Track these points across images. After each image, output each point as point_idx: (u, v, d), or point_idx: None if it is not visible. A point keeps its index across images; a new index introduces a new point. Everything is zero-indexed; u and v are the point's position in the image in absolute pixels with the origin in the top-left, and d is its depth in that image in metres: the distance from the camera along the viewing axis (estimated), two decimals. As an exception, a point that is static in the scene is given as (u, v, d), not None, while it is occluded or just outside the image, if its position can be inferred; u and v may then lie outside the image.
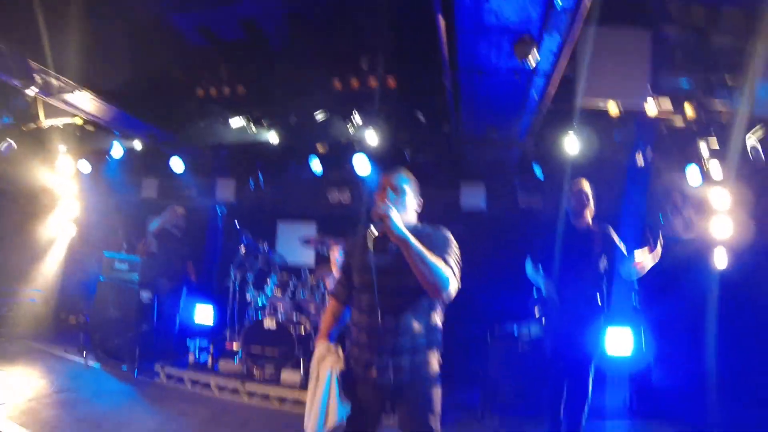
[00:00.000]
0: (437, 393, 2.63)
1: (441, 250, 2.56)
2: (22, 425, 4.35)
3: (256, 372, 5.74)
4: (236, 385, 5.63)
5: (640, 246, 4.14)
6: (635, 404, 5.76)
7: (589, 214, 4.30)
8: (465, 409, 5.54)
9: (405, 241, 2.40)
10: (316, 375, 2.66)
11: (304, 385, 5.66)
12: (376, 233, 2.47)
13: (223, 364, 5.95)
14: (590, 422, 5.10)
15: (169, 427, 4.61)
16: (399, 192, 2.73)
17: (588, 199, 4.29)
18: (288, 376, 5.61)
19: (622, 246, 4.21)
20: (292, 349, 5.72)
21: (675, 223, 3.85)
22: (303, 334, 5.89)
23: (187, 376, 5.89)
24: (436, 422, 2.58)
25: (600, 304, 4.16)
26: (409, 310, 2.57)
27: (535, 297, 4.54)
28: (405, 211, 2.72)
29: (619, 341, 5.85)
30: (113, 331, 6.33)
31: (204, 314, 6.89)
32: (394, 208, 2.48)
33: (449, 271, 2.49)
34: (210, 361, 6.10)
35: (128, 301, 6.39)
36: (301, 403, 5.41)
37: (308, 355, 6.01)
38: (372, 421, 2.66)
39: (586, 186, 4.35)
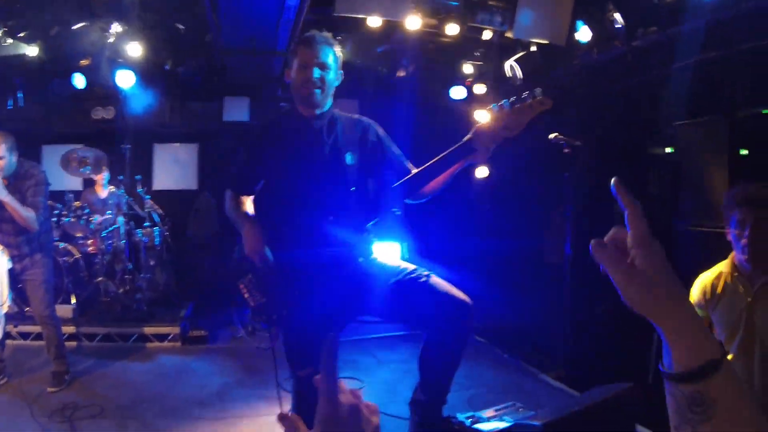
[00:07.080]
0: (46, 272, 4.29)
1: (33, 196, 4.03)
2: None
3: (27, 310, 5.36)
4: (9, 327, 5.20)
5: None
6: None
7: (326, 97, 2.69)
8: (238, 326, 5.75)
9: (3, 200, 3.83)
10: None
11: (77, 318, 5.45)
12: None
13: (-10, 308, 5.47)
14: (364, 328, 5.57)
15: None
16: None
17: (325, 73, 2.65)
18: (59, 310, 5.28)
19: (395, 148, 2.90)
20: (61, 280, 5.42)
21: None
22: (71, 262, 5.59)
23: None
24: (47, 289, 4.29)
25: (356, 227, 2.80)
26: (22, 232, 4.09)
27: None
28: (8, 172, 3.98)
29: (388, 254, 6.27)
30: None
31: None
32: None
33: (32, 212, 3.98)
34: (-27, 304, 5.59)
35: None
36: (72, 337, 5.22)
37: (79, 285, 5.74)
38: None
39: (323, 56, 2.64)
